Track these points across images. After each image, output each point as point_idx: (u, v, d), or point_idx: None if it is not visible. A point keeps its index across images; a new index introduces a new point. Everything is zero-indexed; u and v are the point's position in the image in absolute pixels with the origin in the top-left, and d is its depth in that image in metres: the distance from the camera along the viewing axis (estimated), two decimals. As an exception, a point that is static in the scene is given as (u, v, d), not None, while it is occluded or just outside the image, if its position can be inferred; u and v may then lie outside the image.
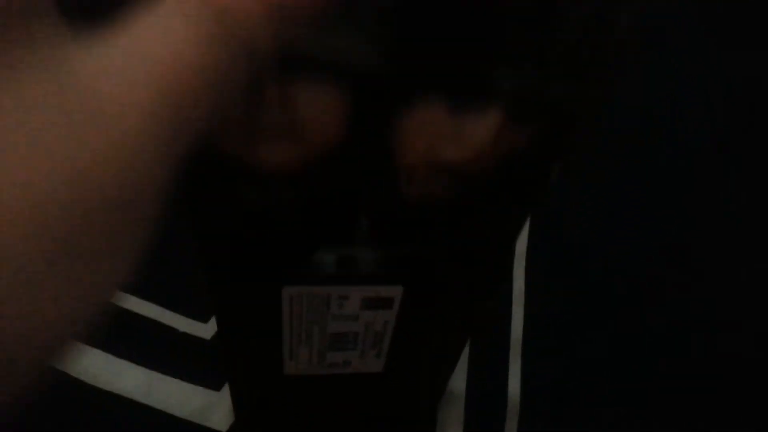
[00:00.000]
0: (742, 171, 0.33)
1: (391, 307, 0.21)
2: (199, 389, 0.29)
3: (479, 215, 0.18)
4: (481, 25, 0.14)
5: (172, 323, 0.29)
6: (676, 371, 0.31)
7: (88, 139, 0.09)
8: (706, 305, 0.31)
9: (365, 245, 0.19)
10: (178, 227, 0.32)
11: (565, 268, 0.31)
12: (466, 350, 0.30)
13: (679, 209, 0.32)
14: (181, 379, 0.29)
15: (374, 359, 0.23)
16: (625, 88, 0.34)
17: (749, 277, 0.32)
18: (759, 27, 0.35)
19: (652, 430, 0.30)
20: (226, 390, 0.28)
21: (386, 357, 0.23)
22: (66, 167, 0.09)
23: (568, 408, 0.30)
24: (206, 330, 0.29)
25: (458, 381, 0.30)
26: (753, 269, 0.32)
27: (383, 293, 0.21)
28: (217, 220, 0.18)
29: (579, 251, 0.32)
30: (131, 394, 0.28)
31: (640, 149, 0.33)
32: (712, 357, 0.31)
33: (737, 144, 0.33)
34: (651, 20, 0.34)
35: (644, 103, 0.34)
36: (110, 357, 0.28)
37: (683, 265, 0.32)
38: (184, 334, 0.29)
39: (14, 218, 0.08)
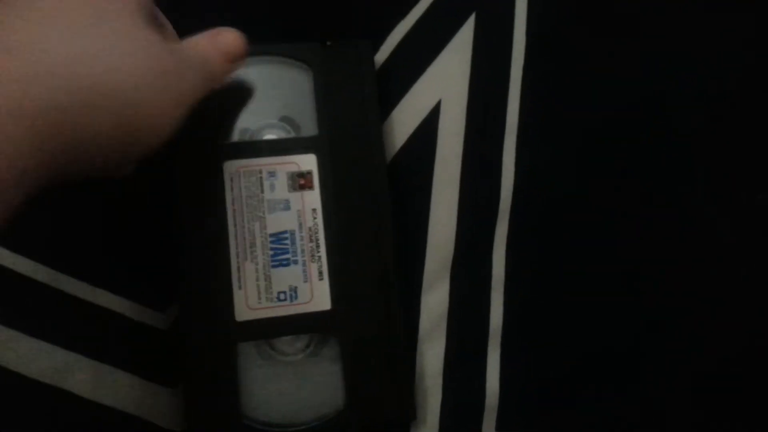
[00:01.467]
0: (739, 157, 0.32)
1: (312, 186, 0.26)
2: (153, 385, 0.26)
3: None
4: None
5: (125, 312, 0.27)
6: (670, 365, 0.29)
7: None
8: (702, 293, 0.30)
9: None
10: (131, 212, 0.30)
11: (551, 254, 0.30)
12: (442, 342, 0.28)
13: (677, 202, 0.31)
14: (134, 373, 0.26)
15: (318, 284, 0.26)
16: (617, 75, 0.32)
17: (749, 274, 0.31)
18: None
19: (642, 428, 0.29)
20: (181, 387, 0.26)
21: (329, 284, 0.26)
22: None
23: (551, 404, 0.29)
24: (163, 320, 0.27)
25: (433, 375, 0.28)
26: (753, 267, 0.31)
27: (302, 165, 0.26)
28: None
29: (566, 236, 0.30)
30: (77, 389, 0.26)
31: (632, 140, 0.32)
32: (708, 351, 0.30)
33: (734, 132, 0.33)
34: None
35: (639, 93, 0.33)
36: (54, 348, 0.26)
37: (681, 254, 0.31)
38: (139, 324, 0.27)
39: None
